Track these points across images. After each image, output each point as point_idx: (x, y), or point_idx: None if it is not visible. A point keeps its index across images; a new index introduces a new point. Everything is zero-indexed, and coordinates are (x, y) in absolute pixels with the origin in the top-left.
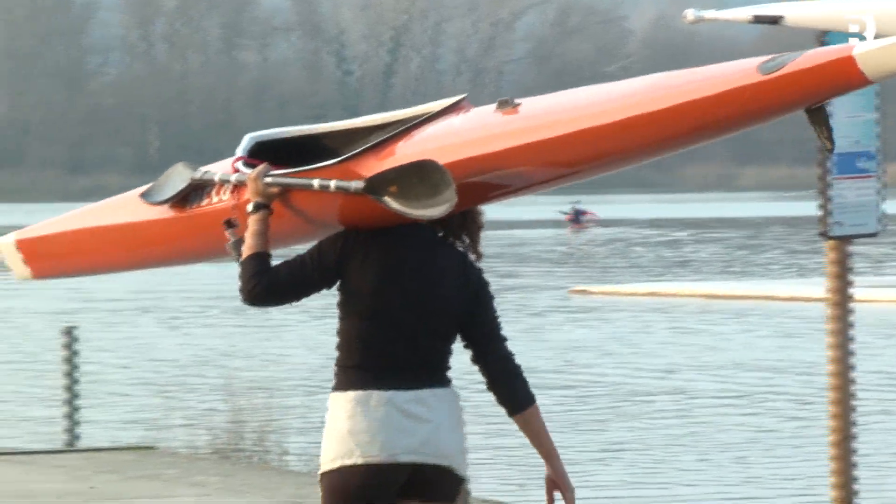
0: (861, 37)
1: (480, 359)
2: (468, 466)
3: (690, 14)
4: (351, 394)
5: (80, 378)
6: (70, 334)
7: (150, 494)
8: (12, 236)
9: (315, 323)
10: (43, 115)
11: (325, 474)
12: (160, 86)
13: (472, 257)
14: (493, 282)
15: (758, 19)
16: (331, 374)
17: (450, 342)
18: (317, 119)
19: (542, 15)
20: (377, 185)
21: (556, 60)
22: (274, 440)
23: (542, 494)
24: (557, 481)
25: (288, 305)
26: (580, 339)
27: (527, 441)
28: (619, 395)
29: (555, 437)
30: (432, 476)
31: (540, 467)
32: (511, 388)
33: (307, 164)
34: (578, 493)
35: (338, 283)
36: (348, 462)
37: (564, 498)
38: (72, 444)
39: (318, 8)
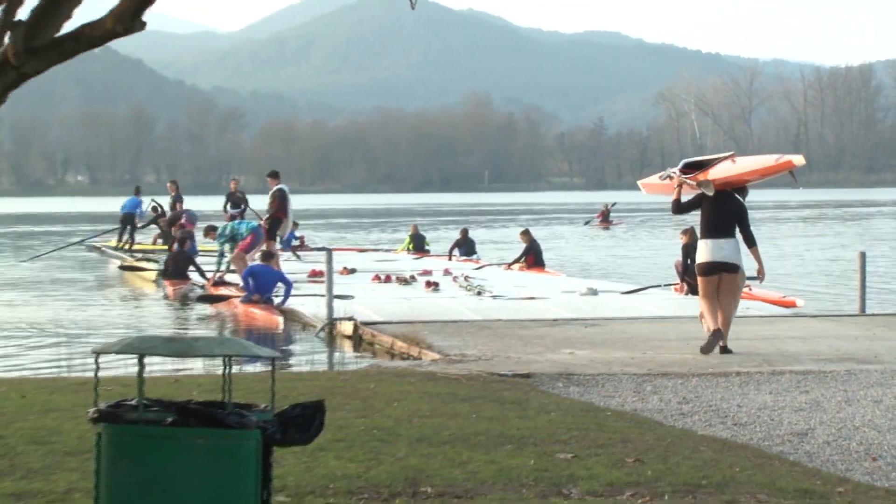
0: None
1: (743, 231)
2: (743, 268)
3: None
4: (701, 241)
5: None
6: (862, 258)
7: None
8: (641, 181)
9: None
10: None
11: (696, 265)
12: None
13: (741, 201)
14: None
15: None
16: None
17: (734, 224)
18: None
19: None
20: (700, 184)
21: None
22: None
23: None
24: (759, 270)
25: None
26: None
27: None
28: None
29: None
30: (729, 267)
31: None
32: (750, 240)
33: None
34: None
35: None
36: (698, 260)
37: (759, 277)
38: (861, 311)
39: None
